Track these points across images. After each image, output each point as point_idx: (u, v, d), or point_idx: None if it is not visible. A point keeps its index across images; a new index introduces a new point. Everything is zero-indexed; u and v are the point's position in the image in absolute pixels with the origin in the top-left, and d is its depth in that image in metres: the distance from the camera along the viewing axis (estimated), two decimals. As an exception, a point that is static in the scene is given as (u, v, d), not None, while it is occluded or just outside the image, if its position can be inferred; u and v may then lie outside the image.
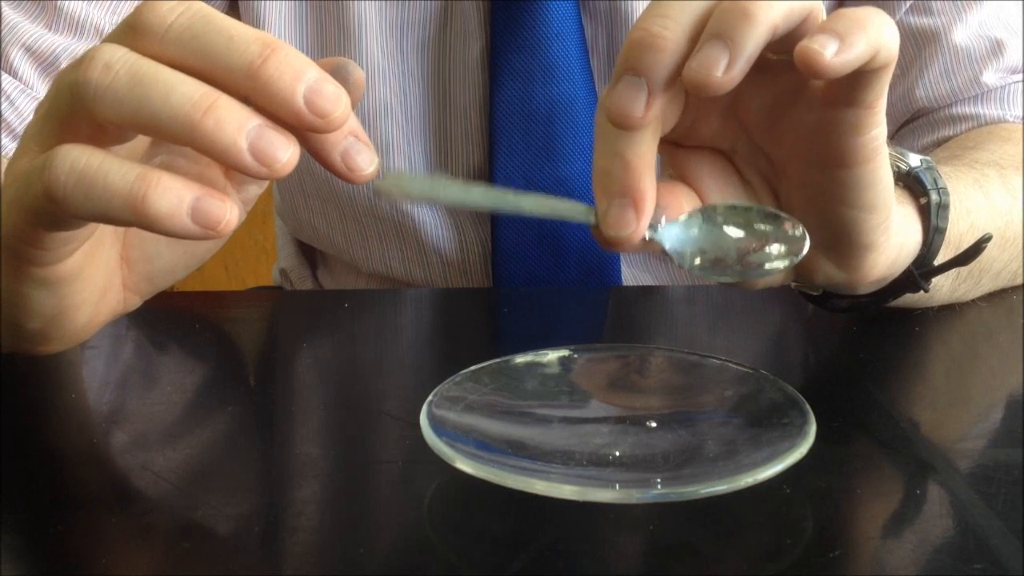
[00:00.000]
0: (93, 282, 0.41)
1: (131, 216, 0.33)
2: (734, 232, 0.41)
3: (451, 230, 0.72)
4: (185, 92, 0.32)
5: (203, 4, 0.34)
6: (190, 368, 0.53)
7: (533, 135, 0.68)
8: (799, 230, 0.40)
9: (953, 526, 0.36)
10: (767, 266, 0.40)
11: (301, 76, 0.33)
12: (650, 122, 0.38)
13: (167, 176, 0.33)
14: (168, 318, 0.55)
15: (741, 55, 0.35)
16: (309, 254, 0.87)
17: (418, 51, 0.70)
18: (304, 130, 0.33)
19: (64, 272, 0.38)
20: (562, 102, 0.67)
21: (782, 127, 0.42)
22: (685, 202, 0.42)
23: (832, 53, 0.35)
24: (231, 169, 0.33)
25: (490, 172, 0.69)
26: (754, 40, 0.35)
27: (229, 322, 0.59)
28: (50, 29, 0.67)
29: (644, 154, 0.39)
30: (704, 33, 0.36)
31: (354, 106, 0.35)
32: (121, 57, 0.33)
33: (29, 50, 0.66)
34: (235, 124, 0.32)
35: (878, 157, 0.41)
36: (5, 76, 0.65)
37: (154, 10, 0.34)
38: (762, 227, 0.41)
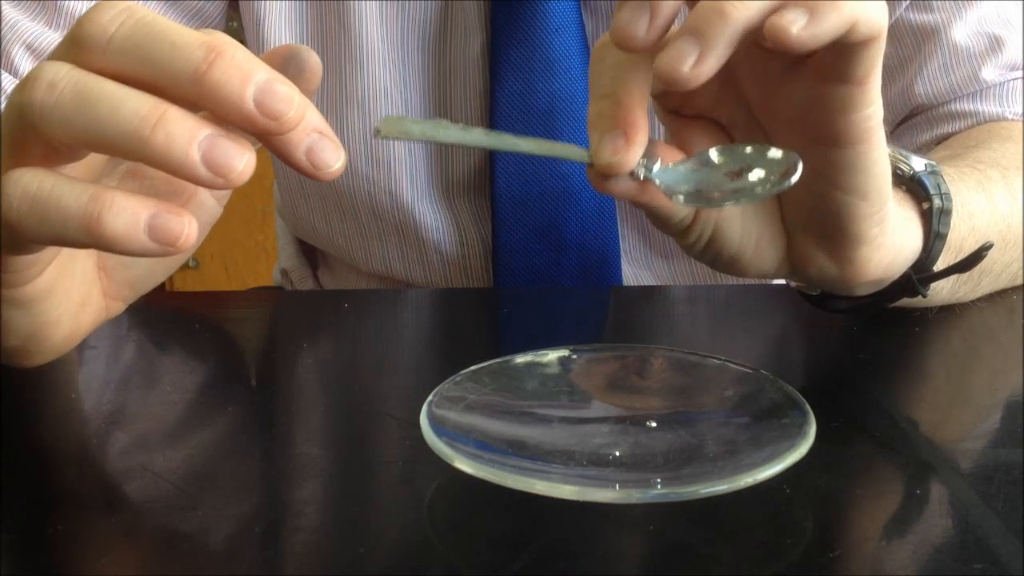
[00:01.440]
0: (69, 296, 0.40)
1: (87, 238, 0.32)
2: (728, 166, 0.41)
3: (451, 228, 0.72)
4: (132, 107, 0.31)
5: (145, 10, 0.33)
6: (190, 368, 0.53)
7: (533, 130, 0.68)
8: (792, 157, 0.40)
9: (953, 526, 0.36)
10: (761, 189, 0.40)
11: (249, 79, 0.31)
12: (653, 41, 0.37)
13: (121, 195, 0.32)
14: (168, 318, 0.55)
15: (711, 52, 0.36)
16: (310, 254, 0.87)
17: (419, 47, 0.70)
18: (259, 134, 0.33)
19: (34, 292, 0.38)
20: (562, 97, 0.67)
21: (777, 101, 0.42)
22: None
23: (799, 27, 0.35)
24: (187, 181, 0.32)
25: (490, 166, 0.69)
26: (726, 38, 0.36)
27: (229, 322, 0.59)
28: (50, 27, 0.67)
29: (634, 93, 0.39)
30: (680, 28, 0.36)
31: (311, 93, 0.34)
32: (65, 75, 0.32)
33: (30, 48, 0.66)
34: (186, 136, 0.31)
35: (871, 139, 0.41)
36: (5, 75, 0.66)
37: (94, 21, 0.32)
38: (756, 156, 0.41)
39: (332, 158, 0.34)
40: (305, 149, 0.33)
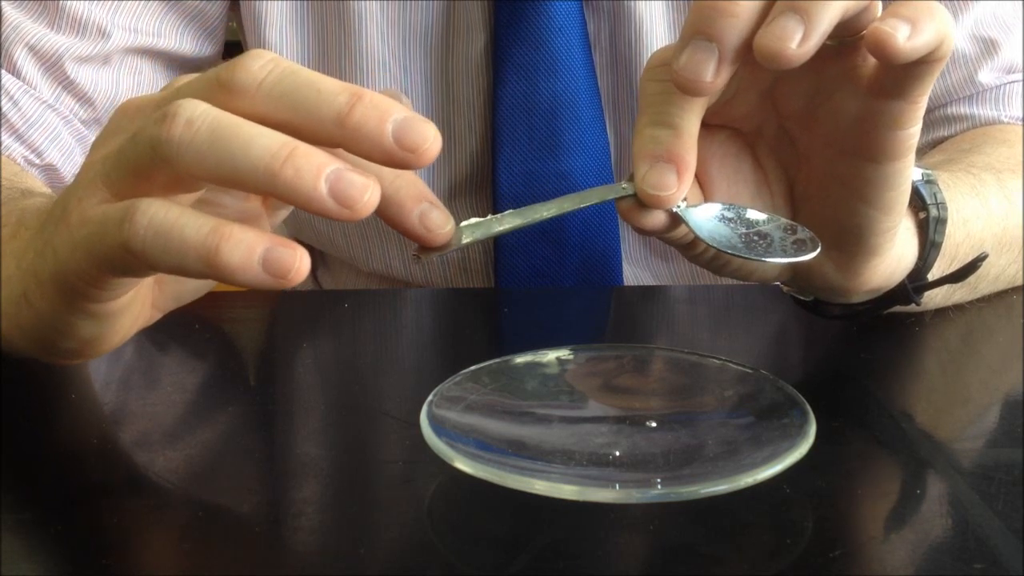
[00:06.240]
0: (135, 310, 0.41)
1: (205, 268, 0.33)
2: (752, 227, 0.42)
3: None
4: (264, 144, 0.33)
5: (290, 62, 0.35)
6: (191, 368, 0.53)
7: (536, 129, 0.68)
8: (811, 236, 0.41)
9: (953, 526, 0.36)
10: (778, 259, 0.41)
11: (387, 116, 0.33)
12: (718, 89, 0.38)
13: (239, 228, 0.33)
14: (168, 318, 0.55)
15: (816, 30, 0.36)
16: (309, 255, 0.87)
17: (421, 47, 0.70)
18: (397, 167, 0.34)
19: (116, 307, 0.39)
20: (565, 96, 0.67)
21: (820, 114, 0.42)
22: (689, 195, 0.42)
23: (904, 37, 0.36)
24: (315, 214, 0.33)
25: (493, 166, 0.69)
26: (829, 17, 0.36)
27: (229, 322, 0.59)
28: (52, 28, 0.67)
29: (693, 127, 0.40)
30: (776, 6, 0.36)
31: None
32: (203, 112, 0.33)
33: (32, 49, 0.66)
34: (314, 170, 0.32)
35: (909, 156, 0.41)
36: (8, 76, 0.66)
37: (246, 69, 0.34)
38: (778, 227, 0.42)
39: (442, 220, 0.38)
40: (419, 214, 0.38)
